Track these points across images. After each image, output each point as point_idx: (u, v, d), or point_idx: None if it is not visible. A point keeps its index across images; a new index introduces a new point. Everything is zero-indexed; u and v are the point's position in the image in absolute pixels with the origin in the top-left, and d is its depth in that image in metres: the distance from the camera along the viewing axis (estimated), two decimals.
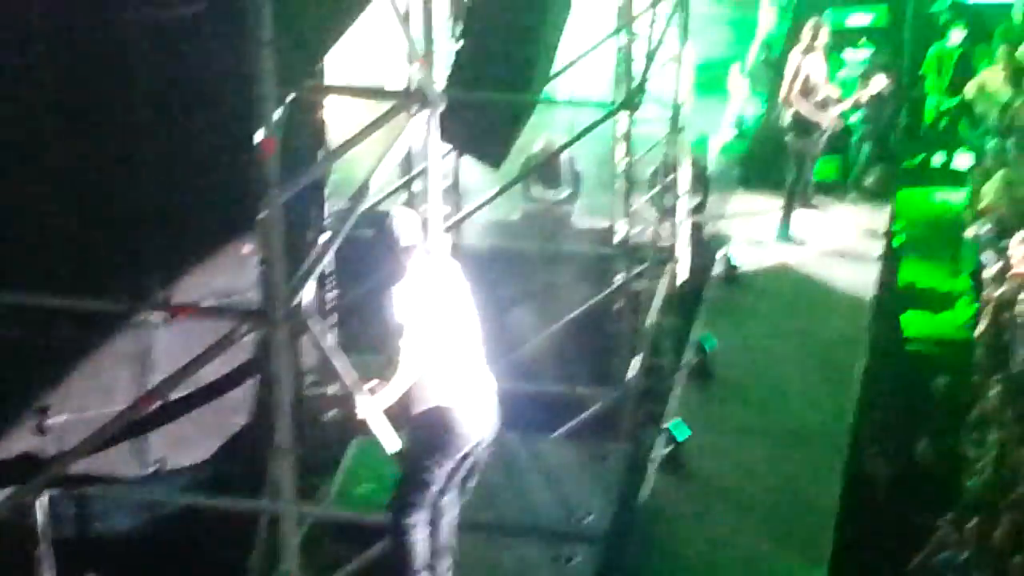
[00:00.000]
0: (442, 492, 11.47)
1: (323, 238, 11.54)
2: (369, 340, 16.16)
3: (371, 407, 10.51)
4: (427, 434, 11.04)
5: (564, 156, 19.69)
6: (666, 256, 18.87)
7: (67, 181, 9.31)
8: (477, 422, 11.20)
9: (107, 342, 9.57)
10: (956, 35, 25.06)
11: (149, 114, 9.25)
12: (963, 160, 24.26)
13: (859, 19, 25.31)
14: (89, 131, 9.30)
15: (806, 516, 15.74)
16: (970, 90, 24.21)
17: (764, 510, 15.85)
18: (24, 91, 9.24)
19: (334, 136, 14.59)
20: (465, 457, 11.38)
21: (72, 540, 13.53)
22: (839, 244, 20.70)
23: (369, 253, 11.22)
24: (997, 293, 19.76)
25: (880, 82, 22.07)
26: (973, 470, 17.38)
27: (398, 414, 10.93)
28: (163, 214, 9.49)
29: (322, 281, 16.58)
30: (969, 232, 22.08)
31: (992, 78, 24.00)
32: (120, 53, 9.22)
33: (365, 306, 17.65)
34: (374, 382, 10.75)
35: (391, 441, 10.91)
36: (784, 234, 20.76)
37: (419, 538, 11.16)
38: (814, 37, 20.65)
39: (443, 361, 10.95)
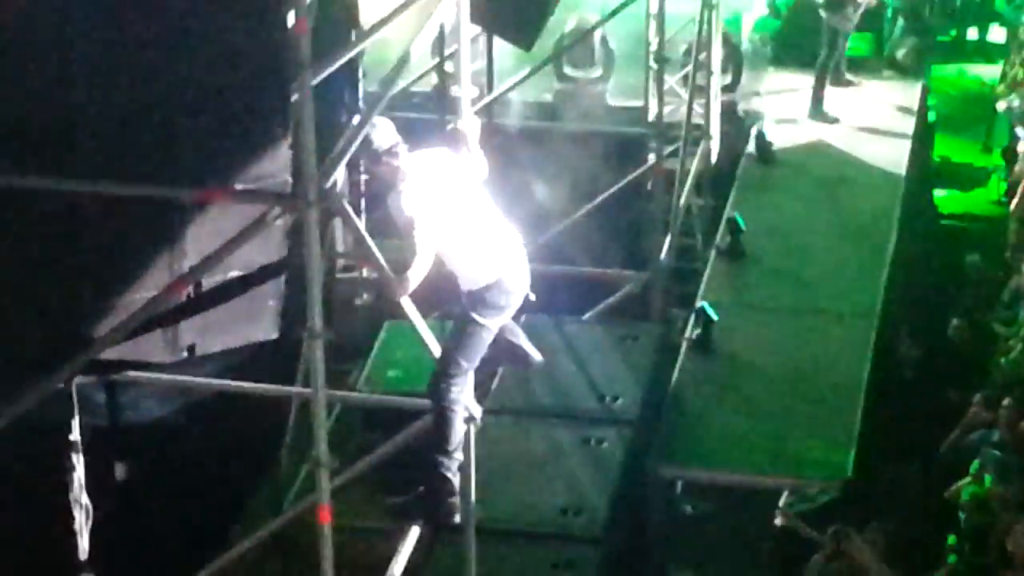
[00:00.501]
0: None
1: (355, 120, 11.48)
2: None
3: (404, 291, 10.44)
4: (472, 308, 11.01)
5: (596, 35, 19.59)
6: (699, 135, 18.84)
7: (99, 64, 9.21)
8: (517, 292, 11.16)
9: (137, 227, 9.46)
10: None
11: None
12: (997, 34, 24.08)
13: None
14: (119, 9, 9.20)
15: (835, 395, 15.80)
16: None
17: (793, 389, 15.92)
18: None
19: (366, 16, 14.49)
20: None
21: (103, 429, 13.52)
22: (872, 121, 20.62)
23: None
24: None
25: None
26: (1004, 348, 17.32)
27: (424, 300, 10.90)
28: (193, 97, 9.39)
29: (354, 165, 16.54)
30: (1001, 105, 21.94)
31: None
32: None
33: None
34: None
35: (422, 325, 10.84)
36: (817, 111, 20.68)
37: (458, 415, 11.11)
38: None
39: (466, 241, 10.89)
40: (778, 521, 14.33)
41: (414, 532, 11.54)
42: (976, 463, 14.79)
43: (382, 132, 10.91)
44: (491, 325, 11.06)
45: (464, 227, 10.87)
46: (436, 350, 10.99)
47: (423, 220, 10.54)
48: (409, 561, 11.59)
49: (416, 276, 10.54)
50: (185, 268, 9.48)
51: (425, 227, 10.54)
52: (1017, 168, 20.42)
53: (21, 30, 9.12)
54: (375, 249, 10.59)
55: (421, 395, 11.44)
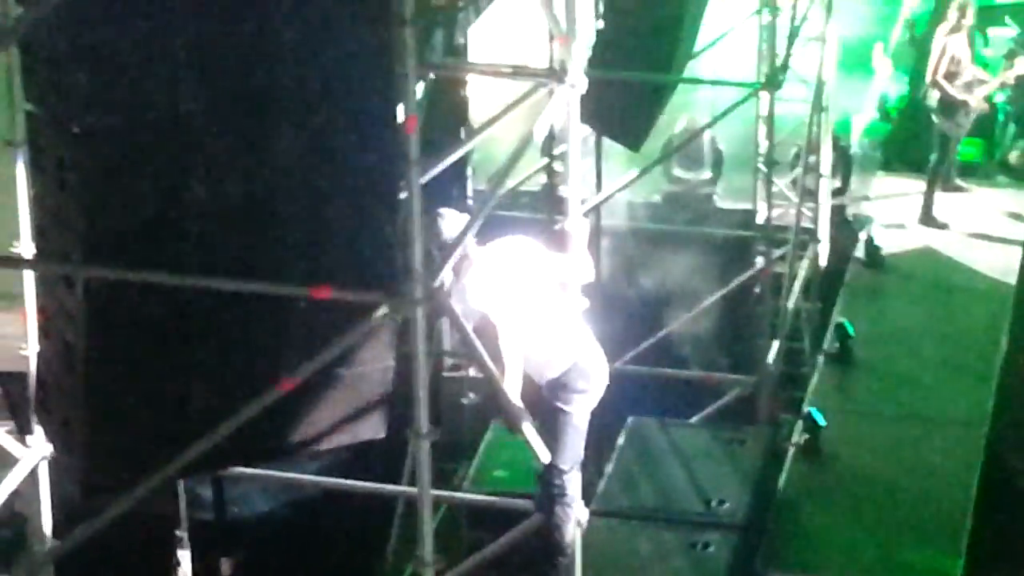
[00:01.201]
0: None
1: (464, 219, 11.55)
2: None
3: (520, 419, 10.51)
4: (555, 398, 11.02)
5: (705, 136, 19.67)
6: (807, 239, 18.85)
7: (214, 162, 9.31)
8: (597, 375, 11.17)
9: (247, 324, 9.53)
10: None
11: (290, 92, 9.21)
12: None
13: None
14: (231, 110, 9.28)
15: (943, 504, 15.69)
16: None
17: (901, 499, 15.86)
18: (166, 72, 9.24)
19: (476, 115, 14.62)
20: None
21: (210, 524, 13.58)
22: (983, 227, 20.55)
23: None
24: None
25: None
26: None
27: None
28: (303, 193, 9.45)
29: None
30: None
31: None
32: (262, 29, 9.19)
33: None
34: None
35: (528, 426, 10.84)
36: (927, 217, 20.61)
37: (571, 517, 11.13)
38: (961, 16, 20.55)
39: (541, 333, 10.92)
40: None
41: None
42: None
43: (450, 223, 11.00)
44: (578, 411, 11.08)
45: (534, 317, 10.89)
46: (542, 453, 11.01)
47: (497, 317, 10.61)
48: None
49: (513, 381, 10.59)
50: (294, 366, 9.53)
51: (503, 325, 10.59)
52: None
53: (140, 133, 9.23)
54: (482, 349, 10.64)
55: (527, 495, 11.48)
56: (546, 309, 11.10)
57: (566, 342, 11.10)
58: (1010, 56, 22.55)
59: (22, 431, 12.59)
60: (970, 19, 20.63)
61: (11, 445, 11.92)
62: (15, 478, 11.99)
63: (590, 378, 11.15)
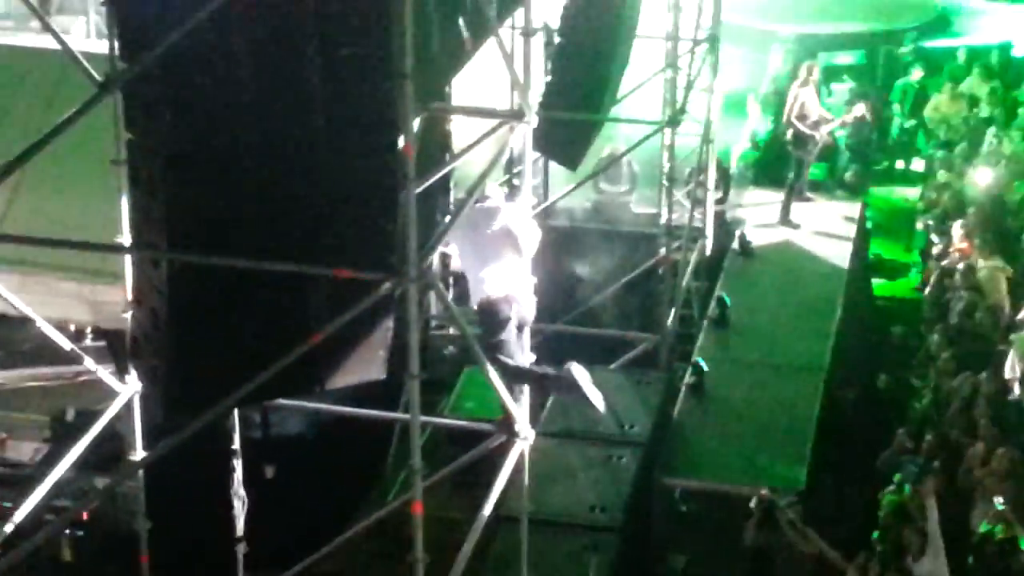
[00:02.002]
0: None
1: (447, 219, 11.60)
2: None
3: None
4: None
5: (624, 160, 19.67)
6: (697, 235, 18.87)
7: (260, 178, 9.38)
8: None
9: (290, 293, 9.60)
10: (916, 73, 24.86)
11: (320, 130, 9.31)
12: (918, 165, 24.09)
13: (843, 59, 25.18)
14: (276, 144, 9.36)
15: (793, 428, 15.77)
16: (927, 113, 24.05)
17: (762, 423, 15.94)
18: (229, 113, 9.30)
19: (456, 142, 14.64)
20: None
21: (257, 440, 13.61)
22: (825, 228, 20.59)
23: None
24: (941, 265, 19.73)
25: (859, 109, 22.09)
26: (919, 396, 17.32)
27: None
28: (330, 199, 9.52)
29: (444, 252, 16.67)
30: (919, 224, 22.07)
31: (942, 105, 23.85)
32: (303, 85, 9.27)
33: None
34: None
35: (491, 371, 10.93)
36: (785, 219, 20.68)
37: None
38: (809, 74, 20.71)
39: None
40: (753, 506, 14.32)
41: (482, 520, 11.61)
42: (898, 476, 14.85)
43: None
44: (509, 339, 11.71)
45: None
46: (501, 390, 11.08)
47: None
48: (479, 542, 11.67)
49: None
50: (320, 324, 9.58)
51: None
52: (930, 264, 20.46)
53: (209, 157, 9.30)
54: (457, 313, 10.73)
55: (490, 421, 11.55)
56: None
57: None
58: (848, 103, 22.74)
59: (121, 373, 12.65)
60: (816, 76, 20.77)
61: (113, 382, 11.99)
62: (116, 406, 12.05)
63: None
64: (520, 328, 11.83)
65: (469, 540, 11.40)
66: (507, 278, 11.67)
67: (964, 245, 19.58)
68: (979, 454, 15.21)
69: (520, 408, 11.11)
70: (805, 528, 14.01)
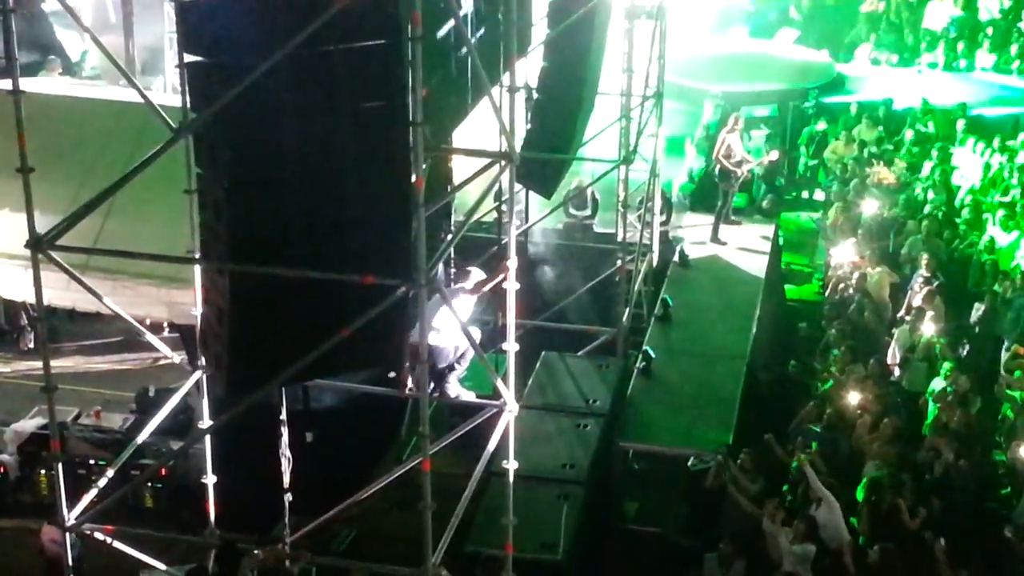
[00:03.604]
0: None
1: (448, 236, 11.58)
2: None
3: None
4: None
5: (589, 191, 19.64)
6: (646, 250, 18.84)
7: (300, 203, 9.38)
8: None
9: (326, 294, 9.56)
10: (820, 124, 24.85)
11: (352, 162, 9.32)
12: (819, 196, 24.03)
13: (760, 111, 25.14)
14: (313, 173, 9.36)
15: (721, 402, 15.71)
16: (827, 154, 24.03)
17: (697, 399, 15.80)
18: (276, 152, 9.29)
19: (456, 177, 14.60)
20: None
21: (299, 411, 13.55)
22: (747, 244, 20.46)
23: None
24: (837, 274, 19.72)
25: (773, 154, 22.04)
26: (821, 378, 17.29)
27: None
28: (357, 221, 9.51)
29: (447, 263, 16.64)
30: (821, 239, 22.05)
31: (838, 148, 23.83)
32: (336, 130, 9.27)
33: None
34: None
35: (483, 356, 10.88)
36: (715, 238, 20.56)
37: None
38: (735, 123, 20.59)
39: None
40: (690, 464, 14.25)
41: (478, 475, 11.59)
42: (814, 444, 14.83)
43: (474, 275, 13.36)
44: None
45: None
46: (493, 374, 11.05)
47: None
48: (475, 492, 11.67)
49: None
50: (351, 321, 9.55)
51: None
52: (828, 273, 20.43)
53: (261, 188, 9.28)
54: (457, 312, 10.68)
55: (485, 396, 11.53)
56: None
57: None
58: (768, 144, 22.75)
59: (191, 359, 12.61)
60: (740, 124, 20.69)
61: (185, 366, 11.96)
62: (188, 385, 12.01)
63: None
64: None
65: (468, 491, 11.41)
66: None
67: (856, 258, 19.58)
68: (867, 424, 15.20)
69: (507, 387, 11.08)
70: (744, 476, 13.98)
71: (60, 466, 11.23)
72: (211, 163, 9.42)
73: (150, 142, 10.08)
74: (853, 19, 30.36)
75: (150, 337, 12.35)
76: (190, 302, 11.18)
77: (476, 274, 14.84)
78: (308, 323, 9.66)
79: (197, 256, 10.35)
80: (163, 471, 14.24)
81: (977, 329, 18.00)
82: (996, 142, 23.02)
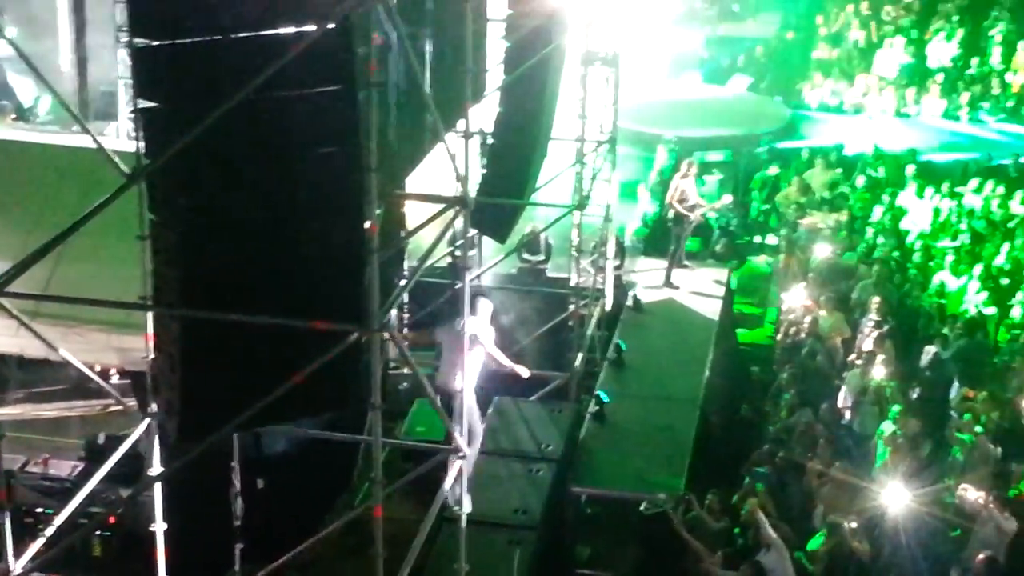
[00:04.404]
0: None
1: (402, 282, 11.62)
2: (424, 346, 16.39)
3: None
4: None
5: (542, 236, 19.74)
6: (599, 294, 18.91)
7: (249, 249, 9.38)
8: None
9: (271, 341, 9.55)
10: (772, 169, 25.14)
11: (306, 207, 9.36)
12: (771, 240, 24.27)
13: (714, 156, 25.42)
14: (264, 220, 9.37)
15: (674, 446, 15.75)
16: (779, 199, 24.30)
17: (650, 442, 15.83)
18: (228, 201, 9.31)
19: (410, 222, 14.65)
20: None
21: (250, 457, 13.49)
22: (699, 288, 20.56)
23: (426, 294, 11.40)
24: (789, 318, 19.87)
25: (727, 198, 22.23)
26: (773, 421, 17.41)
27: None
28: (311, 266, 9.52)
29: (401, 308, 16.67)
30: (773, 284, 22.22)
31: (789, 193, 24.11)
32: (291, 176, 9.31)
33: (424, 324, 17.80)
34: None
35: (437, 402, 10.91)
36: (667, 282, 20.64)
37: None
38: (688, 168, 20.72)
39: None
40: (643, 508, 14.28)
41: (430, 521, 11.59)
42: (759, 485, 14.93)
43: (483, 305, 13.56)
44: None
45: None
46: (446, 419, 11.08)
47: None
48: (427, 539, 11.66)
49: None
50: (303, 367, 9.54)
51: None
52: (780, 317, 20.60)
53: (210, 237, 9.28)
54: (410, 357, 10.73)
55: (436, 443, 11.54)
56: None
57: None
58: (721, 188, 22.98)
59: (142, 405, 12.56)
60: (694, 170, 20.84)
61: (136, 413, 11.92)
62: (138, 432, 11.97)
63: None
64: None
65: (419, 537, 11.40)
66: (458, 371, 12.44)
67: (808, 303, 19.76)
68: (816, 469, 15.32)
69: (459, 432, 11.11)
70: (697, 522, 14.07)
71: (7, 515, 11.13)
72: (165, 209, 9.44)
73: (103, 188, 10.07)
74: (805, 66, 30.82)
75: (100, 383, 12.31)
76: (141, 348, 11.15)
77: (484, 304, 14.14)
78: (261, 369, 9.63)
79: (149, 302, 10.34)
80: (112, 519, 14.13)
81: (927, 373, 18.21)
82: (945, 187, 23.38)
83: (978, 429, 15.91)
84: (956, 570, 13.64)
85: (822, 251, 21.29)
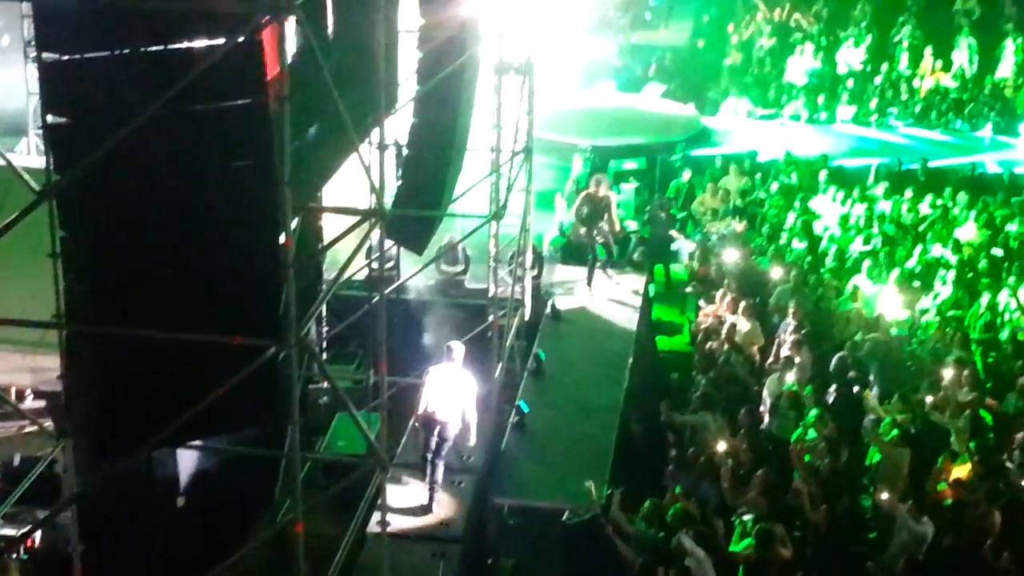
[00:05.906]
0: None
1: (320, 296, 11.56)
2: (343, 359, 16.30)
3: None
4: None
5: (460, 247, 19.69)
6: (518, 304, 18.88)
7: (158, 272, 9.30)
8: None
9: (183, 357, 9.46)
10: (686, 175, 25.28)
11: (220, 223, 9.29)
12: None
13: (629, 165, 25.52)
14: (175, 243, 9.29)
15: (595, 454, 15.78)
16: (695, 206, 24.41)
17: (571, 451, 15.87)
18: (137, 226, 9.22)
19: (327, 234, 14.57)
20: None
21: (170, 477, 13.38)
22: (618, 296, 20.56)
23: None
24: (705, 325, 19.97)
25: (631, 224, 22.23)
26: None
27: None
28: (227, 280, 9.45)
29: (319, 322, 16.57)
30: (688, 289, 22.26)
31: (705, 199, 24.25)
32: (205, 191, 9.25)
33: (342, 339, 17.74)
34: None
35: (357, 416, 10.86)
36: (589, 283, 20.60)
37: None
38: (597, 184, 20.66)
39: None
40: (566, 518, 14.27)
41: (352, 535, 11.55)
42: (677, 488, 15.00)
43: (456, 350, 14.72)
44: None
45: None
46: (367, 432, 11.03)
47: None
48: (349, 553, 11.61)
49: None
50: (220, 383, 9.47)
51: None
52: (698, 324, 20.65)
53: (117, 260, 9.18)
54: (328, 371, 10.67)
55: (355, 457, 11.48)
56: None
57: None
58: (636, 200, 23.05)
59: (57, 426, 12.40)
60: (604, 183, 20.75)
61: (51, 434, 11.75)
62: (53, 453, 11.81)
63: None
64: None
65: (341, 552, 11.36)
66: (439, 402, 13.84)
67: (723, 311, 19.87)
68: (729, 471, 15.39)
69: (381, 446, 11.07)
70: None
71: None
72: (76, 226, 9.33)
73: (13, 205, 9.94)
74: (718, 73, 31.11)
75: (13, 405, 12.13)
76: (55, 368, 11.01)
77: (458, 348, 14.99)
78: (178, 386, 9.56)
79: (61, 320, 10.20)
80: (29, 542, 13.92)
81: (843, 376, 18.39)
82: (856, 192, 23.67)
83: (892, 432, 16.07)
84: (879, 572, 13.81)
85: (737, 257, 21.43)
